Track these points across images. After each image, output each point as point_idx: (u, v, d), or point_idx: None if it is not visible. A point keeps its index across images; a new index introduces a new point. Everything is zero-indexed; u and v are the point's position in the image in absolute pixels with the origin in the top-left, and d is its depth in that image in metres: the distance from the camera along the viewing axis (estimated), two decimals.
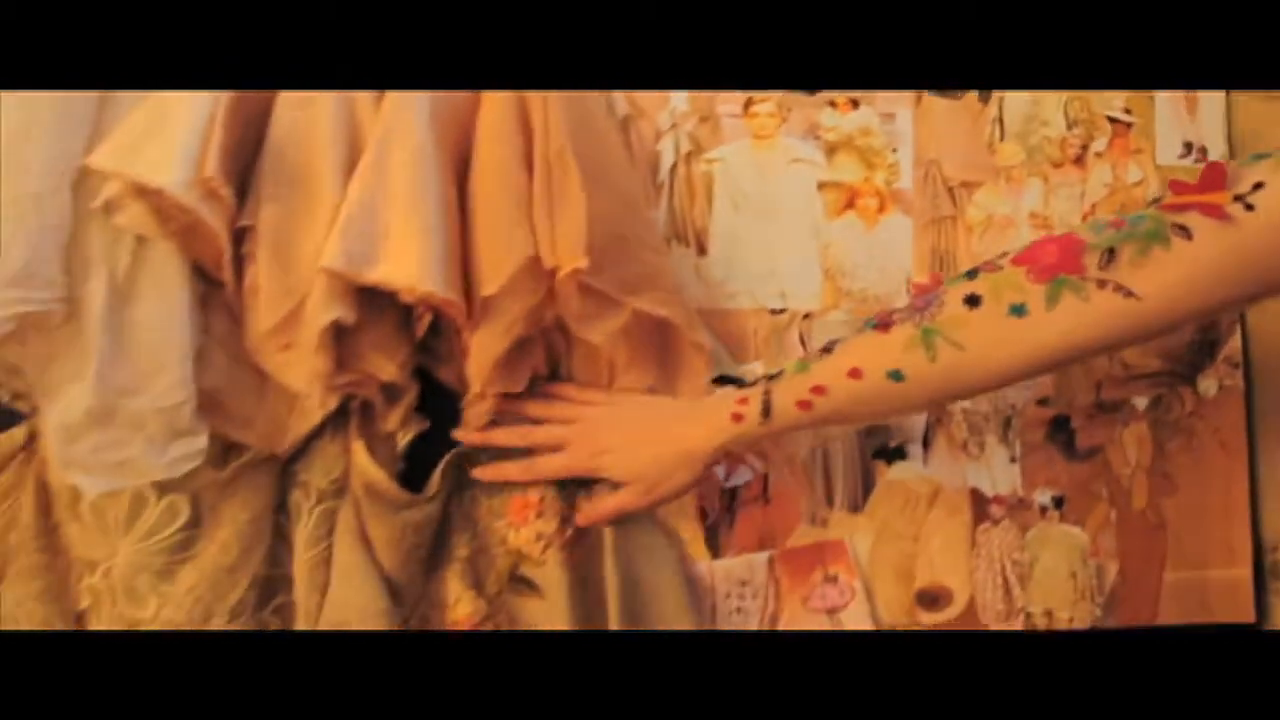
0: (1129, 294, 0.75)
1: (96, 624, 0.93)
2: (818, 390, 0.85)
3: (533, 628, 0.98)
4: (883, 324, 0.84)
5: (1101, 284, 0.75)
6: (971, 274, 0.82)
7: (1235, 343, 1.05)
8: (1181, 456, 1.05)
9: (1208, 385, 1.05)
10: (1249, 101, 1.07)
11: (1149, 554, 1.05)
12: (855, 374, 0.83)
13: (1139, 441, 1.05)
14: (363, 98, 0.96)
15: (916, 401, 0.87)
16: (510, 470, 0.96)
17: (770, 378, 0.89)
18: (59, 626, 0.93)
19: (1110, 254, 0.76)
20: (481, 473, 0.97)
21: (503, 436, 0.96)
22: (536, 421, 0.97)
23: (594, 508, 0.96)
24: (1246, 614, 1.04)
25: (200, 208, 0.88)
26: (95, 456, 0.90)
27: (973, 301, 0.79)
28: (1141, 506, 1.05)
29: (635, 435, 0.95)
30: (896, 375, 0.81)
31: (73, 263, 0.89)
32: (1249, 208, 0.74)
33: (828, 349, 0.87)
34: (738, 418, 0.88)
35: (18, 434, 0.96)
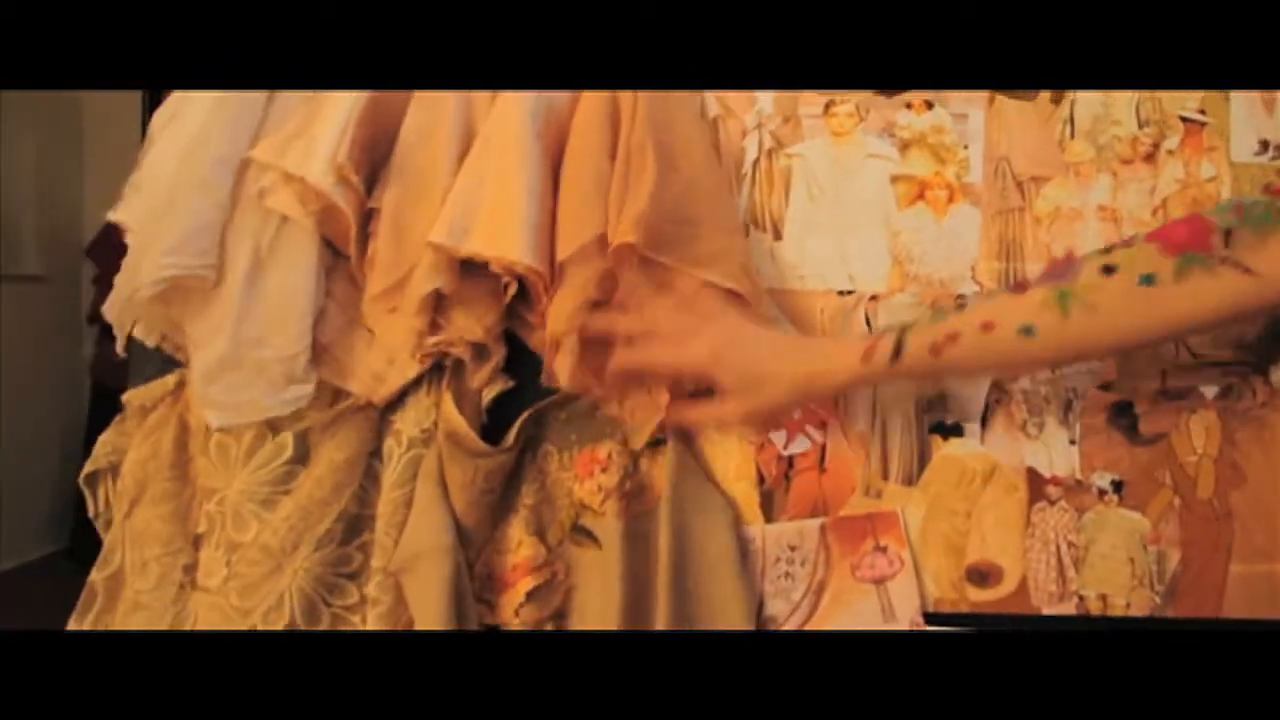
0: (1247, 270, 0.75)
1: (209, 546, 1.02)
2: (951, 338, 0.84)
3: (587, 577, 1.02)
4: (1019, 286, 0.84)
5: (1224, 260, 0.76)
6: (1107, 250, 0.82)
7: None
8: (1251, 447, 1.00)
9: None
10: None
11: (1214, 544, 0.99)
12: (988, 326, 0.83)
13: (1207, 430, 1.00)
14: (480, 101, 1.05)
15: (1041, 358, 0.87)
16: (626, 357, 0.95)
17: (904, 325, 0.88)
18: (180, 545, 1.03)
19: (1229, 234, 0.76)
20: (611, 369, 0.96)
21: (625, 322, 0.96)
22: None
23: (688, 409, 0.96)
24: None
25: (334, 193, 0.99)
26: (226, 395, 1.02)
27: (1108, 270, 0.79)
28: (1207, 495, 1.00)
29: (760, 351, 0.93)
30: (1028, 330, 0.81)
31: (227, 237, 1.02)
32: None
33: (961, 305, 0.88)
34: (868, 356, 0.87)
35: (170, 380, 1.08)
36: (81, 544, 4.11)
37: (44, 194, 4.25)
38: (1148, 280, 0.77)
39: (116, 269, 1.06)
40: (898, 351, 0.85)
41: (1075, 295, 0.79)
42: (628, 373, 0.97)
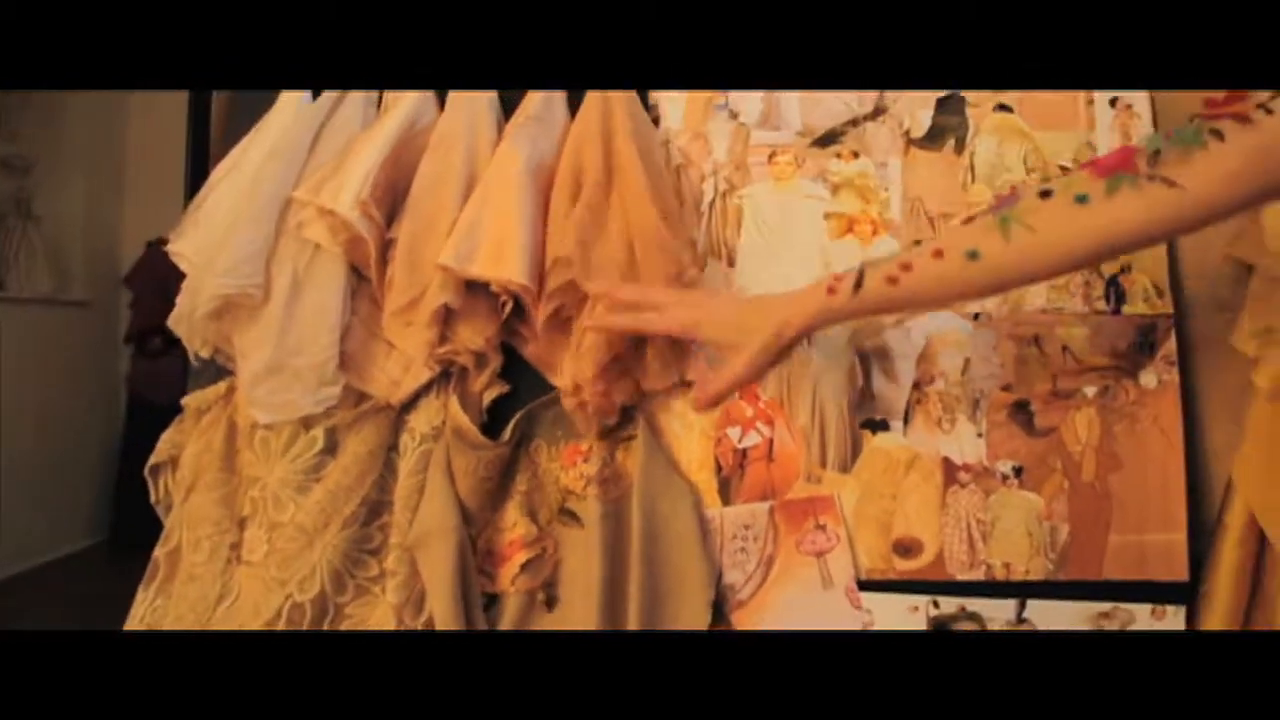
0: (1173, 184, 0.75)
1: (253, 526, 1.09)
2: (905, 267, 0.84)
3: (572, 551, 1.08)
4: (966, 220, 0.85)
5: (1151, 178, 0.76)
6: (1045, 180, 0.84)
7: (1171, 344, 1.07)
8: (1126, 438, 1.07)
9: (1149, 379, 1.07)
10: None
11: (1096, 519, 1.06)
12: (938, 254, 0.82)
13: (1089, 424, 1.07)
14: (482, 154, 1.12)
15: (990, 281, 0.84)
16: (619, 320, 0.97)
17: (865, 261, 0.88)
18: (227, 526, 1.09)
19: (1156, 154, 0.76)
20: (592, 322, 0.99)
21: (620, 320, 0.97)
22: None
23: (710, 383, 0.93)
24: (1181, 573, 1.04)
25: (359, 224, 1.07)
26: (270, 397, 1.09)
27: (1045, 194, 0.79)
28: (1090, 479, 1.07)
29: (734, 306, 0.95)
30: (974, 255, 0.80)
31: (271, 264, 1.09)
32: (1269, 112, 0.74)
33: (918, 243, 0.88)
34: (832, 290, 0.87)
35: (222, 385, 1.15)
36: (119, 536, 4.18)
37: (88, 229, 4.32)
38: (1082, 199, 0.77)
39: (149, 295, 1.13)
40: (859, 284, 0.86)
41: (1015, 218, 0.79)
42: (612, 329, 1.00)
